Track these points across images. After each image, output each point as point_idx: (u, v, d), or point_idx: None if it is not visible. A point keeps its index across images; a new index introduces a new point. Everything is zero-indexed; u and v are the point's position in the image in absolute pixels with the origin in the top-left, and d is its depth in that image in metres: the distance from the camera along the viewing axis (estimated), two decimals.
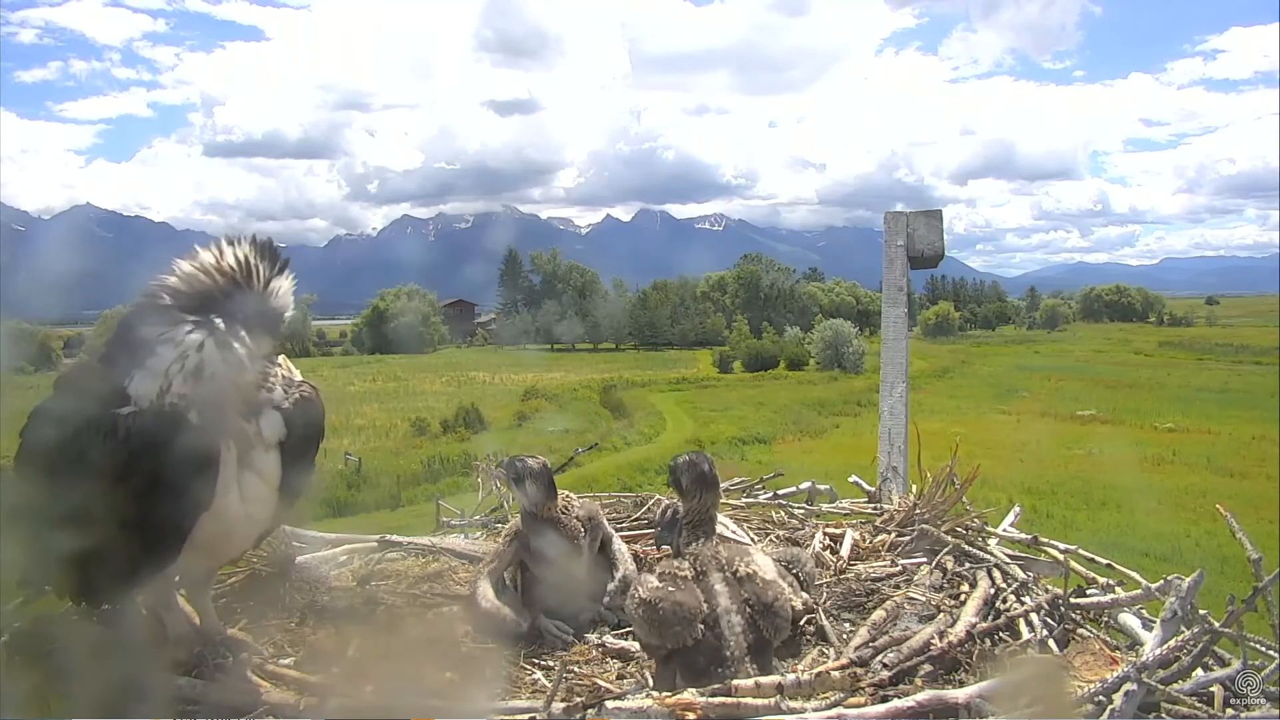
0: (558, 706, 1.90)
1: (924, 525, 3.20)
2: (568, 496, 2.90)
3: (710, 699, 1.91)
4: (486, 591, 2.69)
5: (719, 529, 2.89)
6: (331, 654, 2.39)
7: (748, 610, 2.26)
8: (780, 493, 3.99)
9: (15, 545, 2.10)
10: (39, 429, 2.03)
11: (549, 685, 2.06)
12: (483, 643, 2.55)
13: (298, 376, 2.26)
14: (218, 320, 1.99)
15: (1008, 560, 2.87)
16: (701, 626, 2.21)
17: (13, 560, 2.17)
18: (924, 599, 2.62)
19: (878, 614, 2.52)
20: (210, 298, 2.00)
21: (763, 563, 2.41)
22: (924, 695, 1.92)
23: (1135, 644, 2.36)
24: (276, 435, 2.13)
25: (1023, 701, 1.92)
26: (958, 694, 1.93)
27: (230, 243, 2.07)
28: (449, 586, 3.04)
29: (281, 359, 2.23)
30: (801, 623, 2.53)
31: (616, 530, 3.06)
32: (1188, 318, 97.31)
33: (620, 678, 2.36)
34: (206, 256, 2.04)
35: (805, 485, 4.02)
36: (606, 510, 3.39)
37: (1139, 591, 2.56)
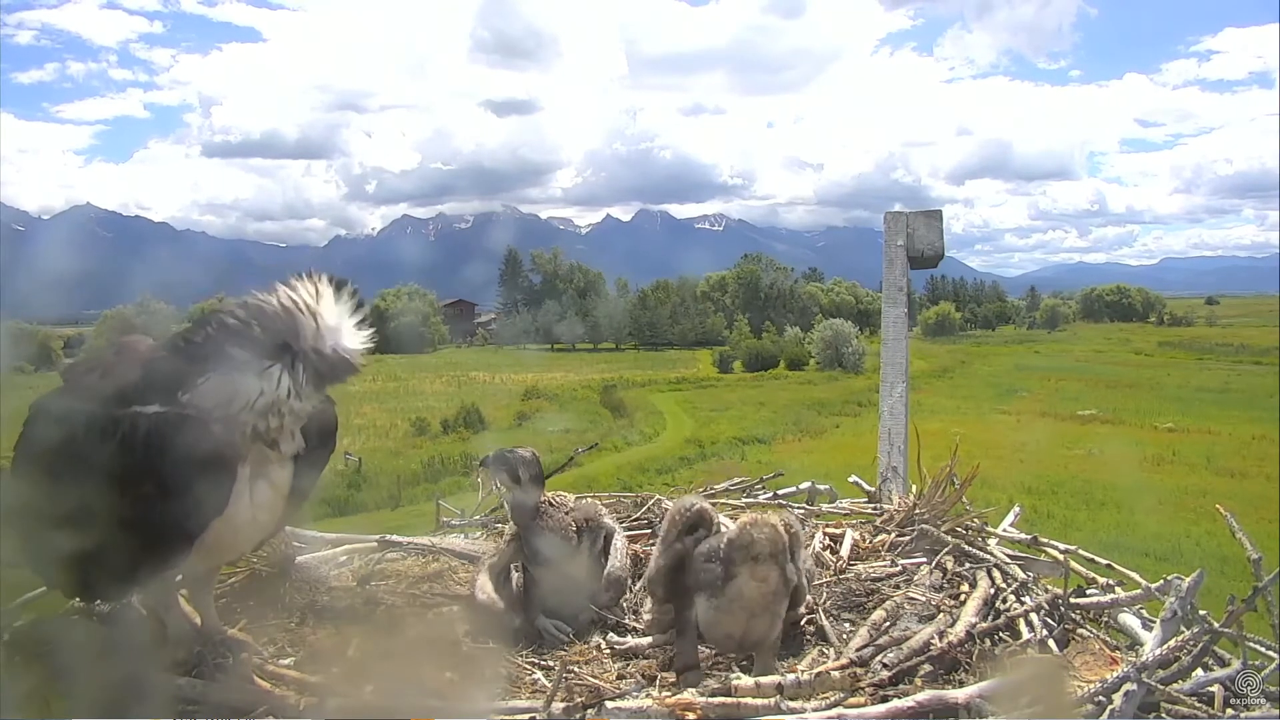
0: (558, 706, 1.90)
1: (924, 525, 3.20)
2: (561, 496, 2.89)
3: (710, 699, 1.91)
4: (485, 584, 2.71)
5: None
6: (331, 654, 2.39)
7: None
8: (780, 493, 3.98)
9: (17, 542, 2.09)
10: (45, 424, 2.02)
11: (549, 685, 2.06)
12: (483, 643, 2.55)
13: None
14: (300, 366, 2.00)
15: (1008, 560, 2.87)
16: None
17: (14, 558, 2.17)
18: (924, 599, 2.62)
19: (878, 614, 2.52)
20: (297, 337, 2.00)
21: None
22: (924, 695, 1.92)
23: (1135, 644, 2.36)
24: (294, 448, 2.13)
25: (1023, 701, 1.93)
26: (958, 694, 1.93)
27: (328, 283, 2.06)
28: (449, 586, 3.04)
29: None
30: (801, 623, 2.53)
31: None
32: (1187, 317, 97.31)
33: (620, 678, 2.36)
34: (303, 292, 2.03)
35: (805, 485, 4.02)
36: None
37: (1139, 591, 2.56)
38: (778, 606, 2.21)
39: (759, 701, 1.92)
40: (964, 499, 3.30)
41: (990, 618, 2.46)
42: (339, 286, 2.08)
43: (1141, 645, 2.26)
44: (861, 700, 1.94)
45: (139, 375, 1.99)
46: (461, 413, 32.78)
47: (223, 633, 2.31)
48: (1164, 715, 1.98)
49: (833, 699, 1.95)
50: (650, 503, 3.66)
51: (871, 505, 3.80)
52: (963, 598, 2.61)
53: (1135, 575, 2.70)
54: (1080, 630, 2.45)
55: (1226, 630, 2.12)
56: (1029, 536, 3.14)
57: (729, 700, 1.91)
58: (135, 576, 2.07)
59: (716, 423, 34.36)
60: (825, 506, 3.85)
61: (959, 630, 2.31)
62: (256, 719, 2.00)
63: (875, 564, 3.06)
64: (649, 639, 2.52)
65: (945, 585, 2.77)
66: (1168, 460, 25.67)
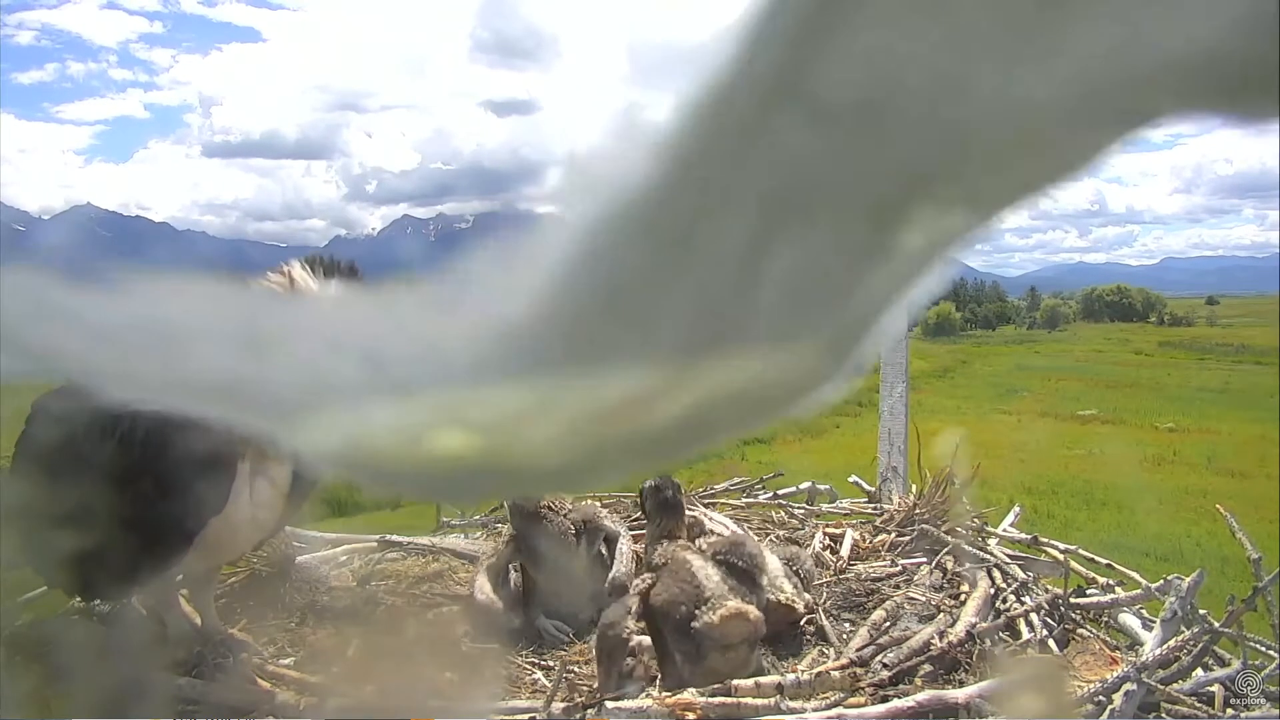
0: (558, 706, 1.91)
1: (924, 525, 3.20)
2: (559, 497, 2.90)
3: (710, 699, 1.91)
4: (484, 585, 2.71)
5: (719, 528, 2.89)
6: (331, 654, 2.39)
7: (720, 560, 2.24)
8: (780, 493, 3.98)
9: (18, 542, 2.09)
10: (46, 423, 2.02)
11: (549, 685, 2.06)
12: (483, 643, 2.55)
13: None
14: None
15: (1008, 560, 2.88)
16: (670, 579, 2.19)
17: (15, 558, 2.17)
18: (924, 599, 2.62)
19: (878, 614, 2.52)
20: None
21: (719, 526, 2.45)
22: (924, 695, 1.92)
23: (1135, 644, 2.36)
24: None
25: (1023, 701, 1.93)
26: (958, 694, 1.93)
27: (301, 266, 2.05)
28: (449, 586, 3.04)
29: None
30: (801, 623, 2.53)
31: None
32: (1188, 317, 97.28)
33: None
34: (297, 276, 2.02)
35: (805, 485, 4.01)
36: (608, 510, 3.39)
37: (1139, 591, 2.56)
38: (751, 655, 2.19)
39: (759, 701, 1.92)
40: (964, 499, 3.30)
41: (990, 618, 2.46)
42: (313, 265, 2.07)
43: (1141, 645, 2.26)
44: (861, 700, 1.94)
45: None
46: None
47: (223, 633, 2.31)
48: (1164, 715, 1.98)
49: (833, 699, 1.95)
50: None
51: (871, 505, 3.80)
52: (963, 598, 2.61)
53: (1135, 575, 2.70)
54: (1080, 630, 2.45)
55: (1226, 630, 2.12)
56: (1029, 536, 3.14)
57: (729, 700, 1.91)
58: (135, 576, 2.07)
59: None
60: (825, 506, 3.85)
61: (959, 630, 2.31)
62: (256, 719, 2.00)
63: (875, 564, 3.07)
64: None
65: (945, 585, 2.77)
66: (1168, 460, 25.57)
